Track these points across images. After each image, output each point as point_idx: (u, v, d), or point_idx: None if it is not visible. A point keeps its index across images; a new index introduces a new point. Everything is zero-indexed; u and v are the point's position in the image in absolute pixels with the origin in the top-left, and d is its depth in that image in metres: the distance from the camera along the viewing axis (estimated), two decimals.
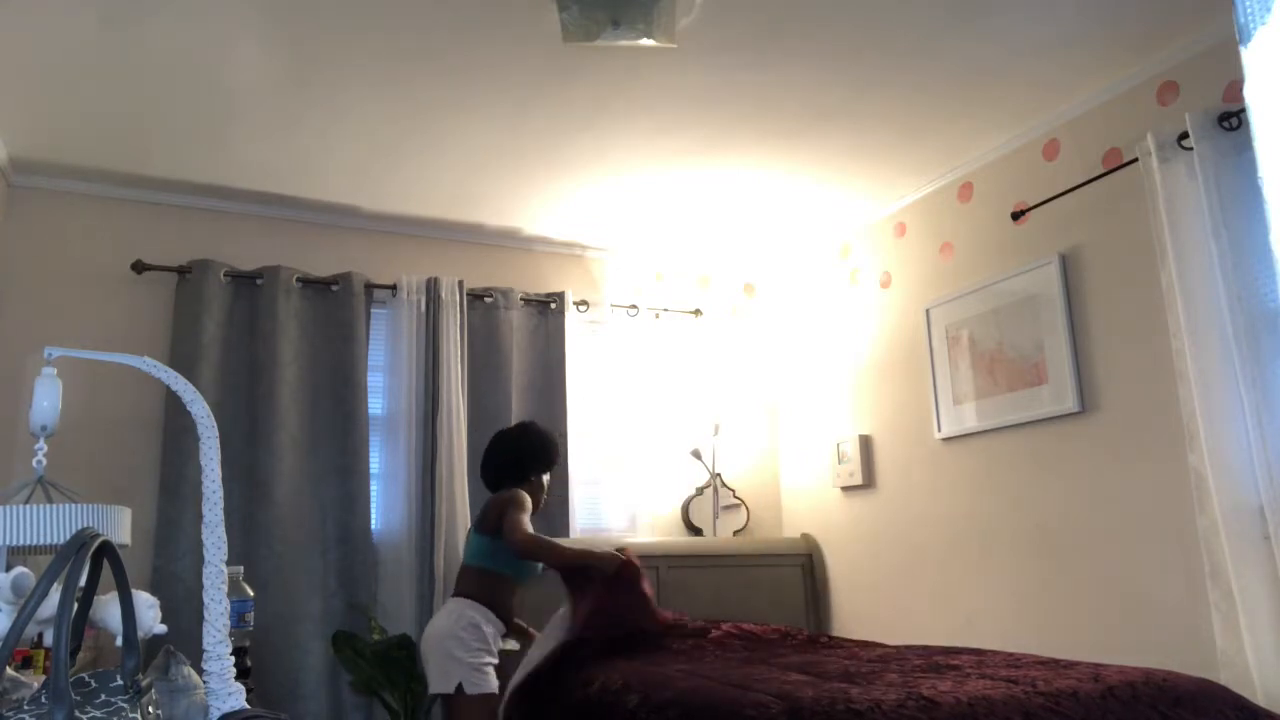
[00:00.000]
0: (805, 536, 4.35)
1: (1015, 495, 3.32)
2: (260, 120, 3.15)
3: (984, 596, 3.42)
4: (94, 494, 3.33)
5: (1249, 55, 0.68)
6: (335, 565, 3.60)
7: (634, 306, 4.42)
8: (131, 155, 3.38)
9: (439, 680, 2.76)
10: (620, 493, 4.24)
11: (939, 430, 3.64)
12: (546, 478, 3.17)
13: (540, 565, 2.99)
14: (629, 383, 4.33)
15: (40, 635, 1.97)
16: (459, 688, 2.71)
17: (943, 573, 3.61)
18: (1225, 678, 2.45)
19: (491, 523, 2.90)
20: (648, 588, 3.04)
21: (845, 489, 4.17)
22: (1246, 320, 2.49)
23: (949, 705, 2.04)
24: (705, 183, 3.73)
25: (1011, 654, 2.78)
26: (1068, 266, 3.18)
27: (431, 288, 3.94)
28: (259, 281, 3.71)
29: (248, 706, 1.13)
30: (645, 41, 2.51)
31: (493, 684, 2.78)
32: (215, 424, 1.19)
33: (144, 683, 0.99)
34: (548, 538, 3.00)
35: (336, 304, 3.81)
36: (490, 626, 2.83)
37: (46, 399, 1.24)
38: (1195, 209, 2.63)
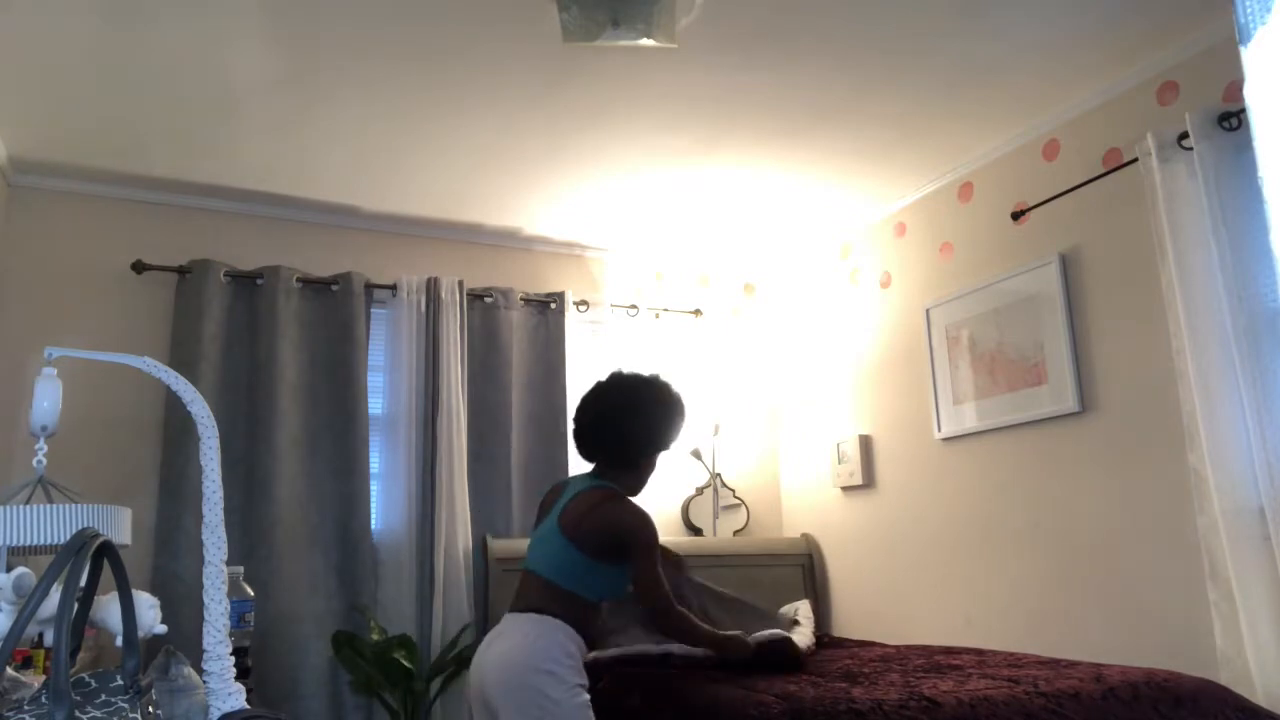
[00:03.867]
0: (805, 536, 4.35)
1: (1015, 495, 3.32)
2: (260, 120, 3.15)
3: (984, 596, 3.42)
4: (94, 494, 3.34)
5: (1249, 55, 0.68)
6: (335, 565, 3.59)
7: (634, 306, 4.42)
8: (131, 155, 3.38)
9: None
10: None
11: (939, 430, 3.64)
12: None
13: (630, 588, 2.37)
14: None
15: (40, 635, 1.97)
16: None
17: (943, 573, 3.61)
18: (1225, 678, 2.45)
19: (600, 545, 2.25)
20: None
21: (845, 489, 4.17)
22: (1246, 320, 2.49)
23: (951, 705, 2.05)
24: (705, 183, 3.73)
25: (1012, 654, 2.78)
26: (1068, 266, 3.18)
27: (431, 288, 3.94)
28: (259, 281, 3.71)
29: (248, 706, 1.13)
30: (645, 41, 2.51)
31: None
32: (215, 424, 1.19)
33: (144, 683, 0.99)
34: (688, 613, 2.35)
35: (336, 304, 3.81)
36: (582, 655, 2.24)
37: (46, 399, 1.24)
38: (1195, 209, 2.63)
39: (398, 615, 3.59)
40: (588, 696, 2.16)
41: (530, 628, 2.17)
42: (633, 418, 2.34)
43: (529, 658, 2.11)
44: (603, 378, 2.46)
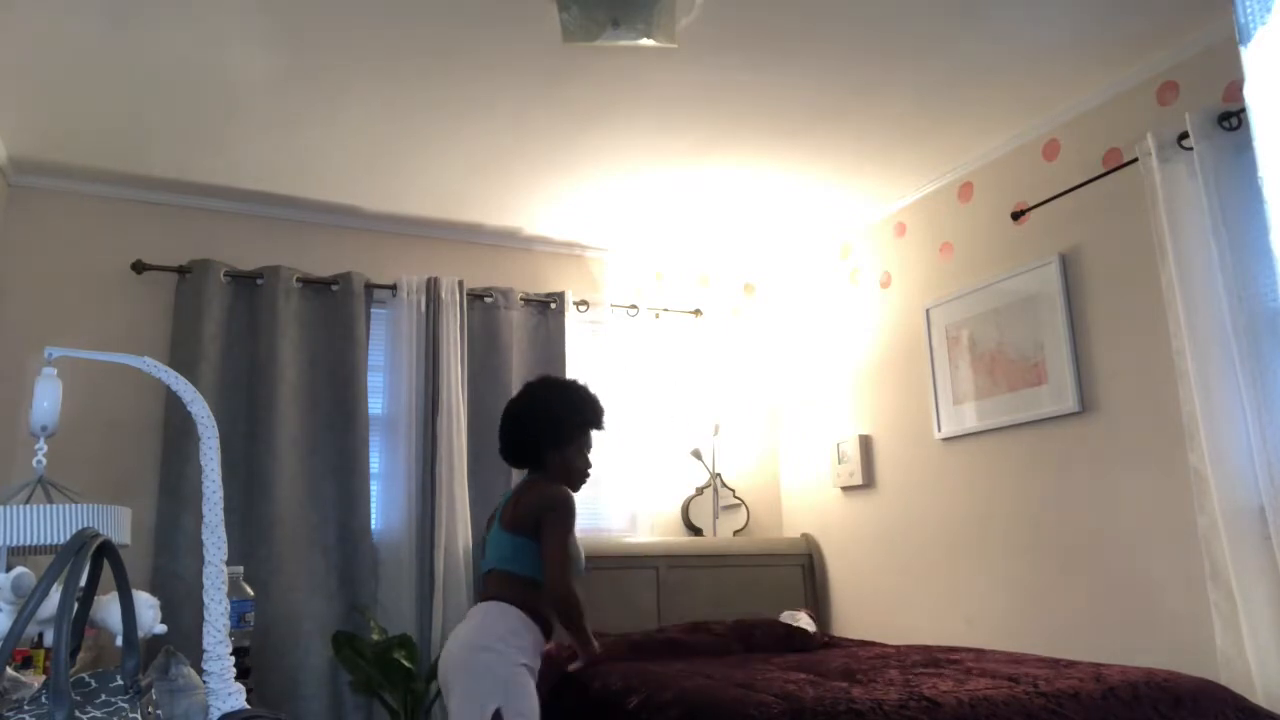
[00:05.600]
0: (805, 536, 4.35)
1: (1015, 495, 3.32)
2: (260, 120, 3.15)
3: (984, 596, 3.42)
4: (94, 494, 3.33)
5: (1249, 55, 0.68)
6: (335, 565, 3.60)
7: (634, 306, 4.42)
8: (131, 155, 3.38)
9: (468, 706, 2.16)
10: (620, 493, 4.24)
11: (939, 430, 3.64)
12: (589, 445, 2.63)
13: (584, 565, 2.53)
14: (629, 383, 4.32)
15: (40, 635, 1.97)
16: (496, 715, 2.13)
17: (943, 573, 3.61)
18: (1225, 678, 2.45)
19: (529, 525, 2.39)
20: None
21: (845, 489, 4.17)
22: (1246, 320, 2.49)
23: (951, 705, 2.05)
24: (705, 183, 3.73)
25: (1012, 653, 2.78)
26: (1068, 266, 3.18)
27: (431, 288, 3.94)
28: (259, 281, 3.71)
29: (248, 706, 1.13)
30: (645, 41, 2.51)
31: (535, 708, 2.23)
32: (215, 424, 1.19)
33: (144, 683, 0.99)
34: (579, 596, 2.39)
35: (336, 304, 3.81)
36: (532, 635, 2.33)
37: (46, 399, 1.24)
38: (1195, 209, 2.63)
39: (398, 615, 3.59)
40: (528, 675, 2.27)
41: (483, 612, 2.34)
42: (532, 413, 2.53)
43: (476, 637, 2.27)
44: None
